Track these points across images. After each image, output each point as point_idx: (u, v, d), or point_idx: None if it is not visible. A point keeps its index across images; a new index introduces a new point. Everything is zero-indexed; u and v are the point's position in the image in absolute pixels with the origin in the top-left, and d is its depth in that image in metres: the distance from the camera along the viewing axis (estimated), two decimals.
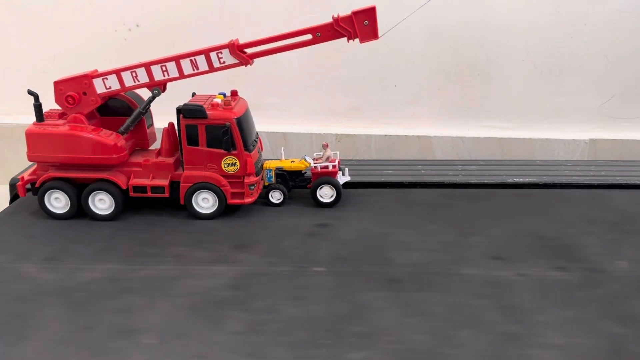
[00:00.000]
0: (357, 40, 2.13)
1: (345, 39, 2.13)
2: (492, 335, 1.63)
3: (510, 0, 2.81)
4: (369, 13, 2.08)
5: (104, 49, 2.95)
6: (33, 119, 3.14)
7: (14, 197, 2.49)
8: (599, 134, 2.96)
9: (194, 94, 2.33)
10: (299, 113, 2.91)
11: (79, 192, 2.25)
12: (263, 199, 2.35)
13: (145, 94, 2.31)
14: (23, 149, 3.05)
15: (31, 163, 2.74)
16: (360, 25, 2.09)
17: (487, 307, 1.74)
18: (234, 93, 2.30)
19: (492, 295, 1.79)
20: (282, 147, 2.54)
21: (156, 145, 2.41)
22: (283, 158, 2.44)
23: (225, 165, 2.22)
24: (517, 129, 2.98)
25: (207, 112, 2.17)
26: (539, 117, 2.97)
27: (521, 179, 2.57)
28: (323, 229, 2.19)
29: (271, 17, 2.84)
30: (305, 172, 2.41)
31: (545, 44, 2.86)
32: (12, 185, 2.52)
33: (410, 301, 1.77)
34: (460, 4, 2.81)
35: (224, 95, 2.26)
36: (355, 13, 2.09)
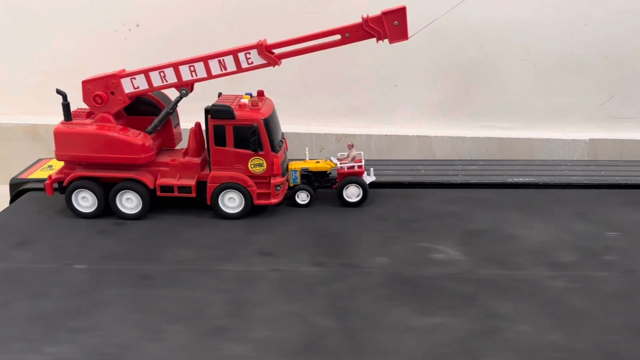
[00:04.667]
0: (386, 40, 2.12)
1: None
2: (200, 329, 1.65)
3: (510, 0, 2.81)
4: (399, 13, 2.07)
5: (104, 49, 2.95)
6: (33, 119, 3.15)
7: (14, 197, 2.50)
8: (599, 134, 2.96)
9: (220, 94, 2.32)
10: (299, 113, 2.92)
11: (105, 191, 2.25)
12: (289, 200, 2.34)
13: (168, 92, 2.32)
14: (23, 148, 3.07)
15: (33, 161, 2.76)
16: (390, 26, 2.09)
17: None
18: (261, 93, 2.30)
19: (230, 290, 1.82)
20: (307, 148, 2.54)
21: (181, 145, 2.41)
22: (307, 159, 2.44)
23: (252, 166, 2.22)
24: (517, 129, 2.98)
25: (235, 112, 2.17)
26: (539, 117, 2.97)
27: (521, 179, 2.57)
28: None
29: (271, 17, 2.84)
30: (330, 173, 2.41)
31: (545, 44, 2.86)
32: (12, 185, 2.52)
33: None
34: (461, 4, 2.81)
35: (251, 95, 2.26)
36: (385, 13, 2.08)
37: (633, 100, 2.93)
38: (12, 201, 2.49)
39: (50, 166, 2.69)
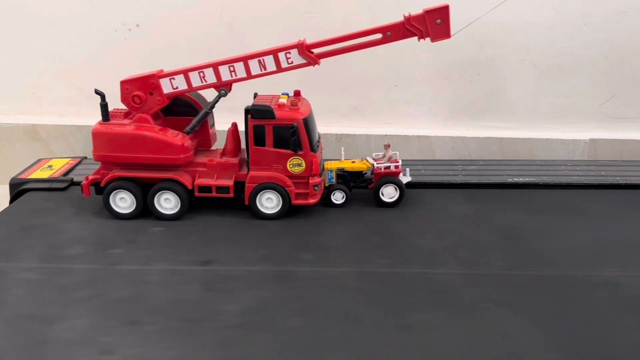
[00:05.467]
0: (428, 39, 2.13)
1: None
2: None
3: (510, 0, 2.81)
4: (442, 12, 2.08)
5: (104, 49, 2.95)
6: (33, 119, 3.15)
7: (14, 197, 2.50)
8: (599, 134, 2.96)
9: (256, 94, 2.32)
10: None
11: (143, 191, 2.24)
12: (324, 200, 2.34)
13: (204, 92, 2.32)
14: (23, 148, 3.07)
15: (33, 161, 2.76)
16: (433, 24, 2.09)
17: None
18: (297, 93, 2.30)
19: None
20: (342, 148, 2.53)
21: (216, 146, 2.41)
22: (343, 159, 2.44)
23: (291, 166, 2.22)
24: (517, 129, 2.98)
25: (275, 112, 2.18)
26: (539, 117, 2.97)
27: (521, 179, 2.57)
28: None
29: (271, 17, 2.84)
30: (366, 173, 2.41)
31: (545, 44, 2.86)
32: (12, 185, 2.52)
33: None
34: (460, 4, 2.81)
35: (287, 95, 2.26)
36: (427, 12, 2.08)
37: (633, 100, 2.93)
38: (12, 201, 2.49)
39: (50, 166, 2.69)
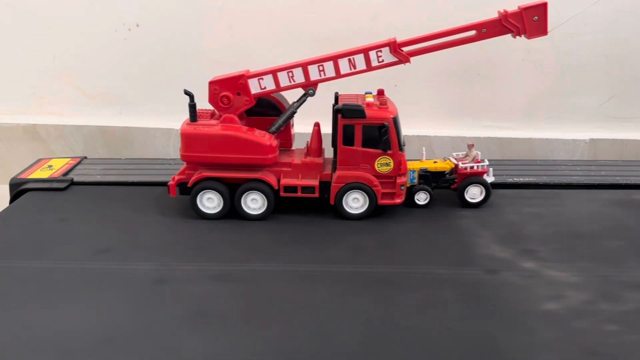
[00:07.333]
0: (524, 36, 2.12)
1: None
2: None
3: (510, 1, 2.81)
4: (540, 9, 2.07)
5: (104, 49, 2.95)
6: (32, 119, 3.15)
7: (14, 197, 2.49)
8: (599, 134, 2.96)
9: (337, 94, 2.32)
10: (299, 113, 2.91)
11: (230, 192, 2.23)
12: (407, 200, 2.31)
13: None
14: (23, 148, 3.07)
15: (33, 161, 2.76)
16: (529, 21, 2.08)
17: None
18: (381, 92, 2.29)
19: None
20: (423, 148, 2.51)
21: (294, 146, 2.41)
22: (424, 159, 2.42)
23: (379, 165, 2.21)
24: (517, 129, 2.98)
25: (365, 111, 2.17)
26: (539, 117, 2.97)
27: (521, 179, 2.57)
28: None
29: (271, 17, 2.84)
30: (448, 173, 2.39)
31: (545, 43, 2.85)
32: (12, 185, 2.52)
33: None
34: (460, 4, 2.81)
35: (371, 94, 2.25)
36: (524, 9, 2.07)
37: (633, 100, 2.93)
38: (11, 201, 2.49)
39: (50, 166, 2.69)
